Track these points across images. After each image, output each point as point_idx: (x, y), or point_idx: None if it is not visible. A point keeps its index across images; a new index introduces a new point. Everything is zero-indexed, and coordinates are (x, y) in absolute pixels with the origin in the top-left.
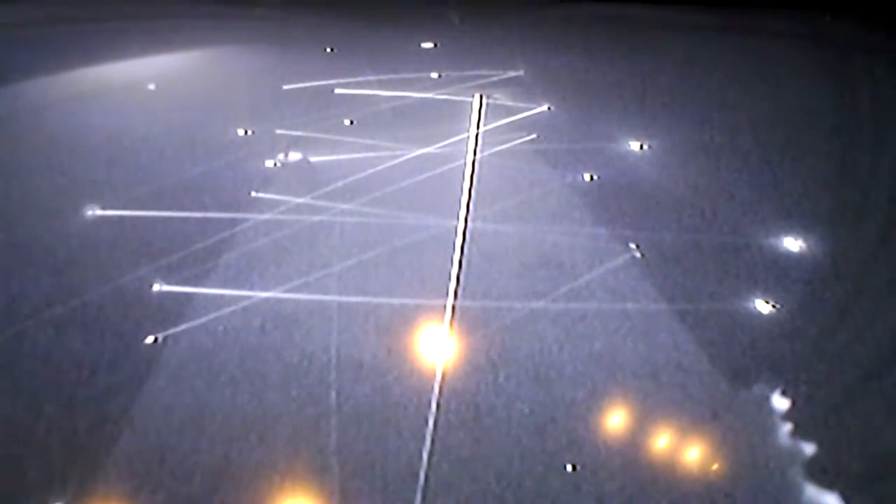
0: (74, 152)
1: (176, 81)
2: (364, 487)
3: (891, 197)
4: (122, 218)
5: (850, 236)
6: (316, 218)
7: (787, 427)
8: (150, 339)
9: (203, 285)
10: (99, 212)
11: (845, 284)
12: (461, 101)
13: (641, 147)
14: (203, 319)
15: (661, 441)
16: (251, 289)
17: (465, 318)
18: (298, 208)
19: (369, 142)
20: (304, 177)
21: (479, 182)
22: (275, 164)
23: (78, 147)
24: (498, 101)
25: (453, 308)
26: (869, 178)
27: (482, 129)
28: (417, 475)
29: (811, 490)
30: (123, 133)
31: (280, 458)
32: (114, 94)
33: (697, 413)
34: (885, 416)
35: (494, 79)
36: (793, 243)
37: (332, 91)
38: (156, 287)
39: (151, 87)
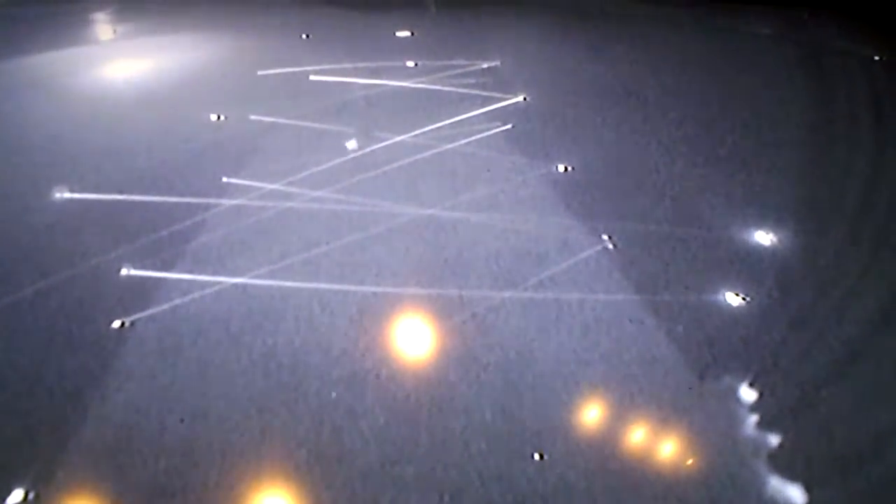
0: (43, 136)
1: (149, 66)
2: (333, 474)
3: (862, 192)
4: (90, 201)
5: (820, 230)
6: (288, 204)
7: (755, 418)
8: (116, 324)
9: (172, 270)
10: (67, 195)
11: (815, 277)
12: (437, 90)
13: (615, 139)
14: (170, 304)
15: (629, 431)
16: (220, 274)
17: (437, 306)
18: (270, 194)
19: (343, 129)
20: (277, 163)
21: (452, 171)
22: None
23: (47, 131)
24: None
25: (425, 296)
26: (841, 173)
27: (457, 118)
28: (387, 462)
29: (778, 480)
30: (94, 117)
31: (246, 445)
32: (87, 78)
33: (666, 403)
34: (852, 408)
35: (471, 68)
36: (764, 236)
37: (307, 78)
38: (123, 271)
39: (125, 71)
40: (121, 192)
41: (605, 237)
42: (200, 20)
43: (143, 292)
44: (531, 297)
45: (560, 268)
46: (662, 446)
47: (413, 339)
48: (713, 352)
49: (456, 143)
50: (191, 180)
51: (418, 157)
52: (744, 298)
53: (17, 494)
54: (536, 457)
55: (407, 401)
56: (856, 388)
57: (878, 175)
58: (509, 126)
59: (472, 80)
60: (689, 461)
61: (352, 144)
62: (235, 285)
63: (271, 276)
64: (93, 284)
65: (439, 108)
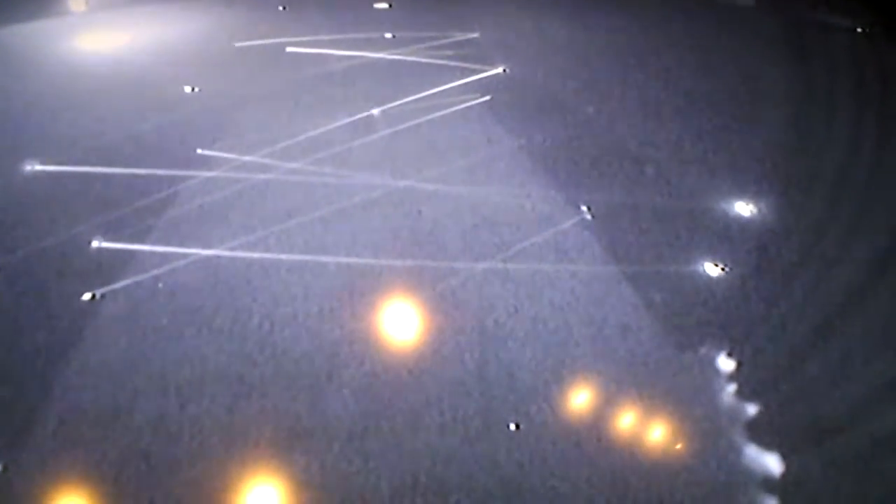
0: (14, 108)
1: (123, 38)
2: (303, 445)
3: (841, 164)
4: (61, 173)
5: (800, 202)
6: (263, 176)
7: (733, 388)
8: (87, 296)
9: (144, 242)
10: (38, 167)
11: (794, 249)
12: (415, 62)
13: (595, 110)
14: (142, 276)
15: (606, 400)
16: (193, 246)
17: (413, 278)
18: (245, 166)
19: (320, 101)
20: (252, 135)
21: (430, 142)
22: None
23: (18, 103)
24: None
25: (401, 267)
26: (820, 146)
27: (436, 89)
28: (359, 433)
29: (755, 449)
30: (66, 89)
31: (215, 416)
32: (59, 50)
33: (644, 374)
34: (829, 379)
35: (449, 40)
36: (744, 208)
37: (284, 50)
38: (94, 243)
39: (98, 43)
40: (93, 165)
41: (583, 208)
42: None
43: (114, 264)
44: (509, 267)
45: (538, 238)
46: (639, 416)
47: (389, 310)
48: (692, 322)
49: (434, 115)
50: (164, 152)
51: (396, 128)
52: (723, 269)
53: None
54: (513, 427)
55: (383, 370)
56: (833, 358)
57: (858, 146)
58: (488, 97)
59: (451, 52)
60: (666, 430)
61: (328, 116)
62: (208, 257)
63: (245, 247)
64: (64, 257)
65: (417, 80)
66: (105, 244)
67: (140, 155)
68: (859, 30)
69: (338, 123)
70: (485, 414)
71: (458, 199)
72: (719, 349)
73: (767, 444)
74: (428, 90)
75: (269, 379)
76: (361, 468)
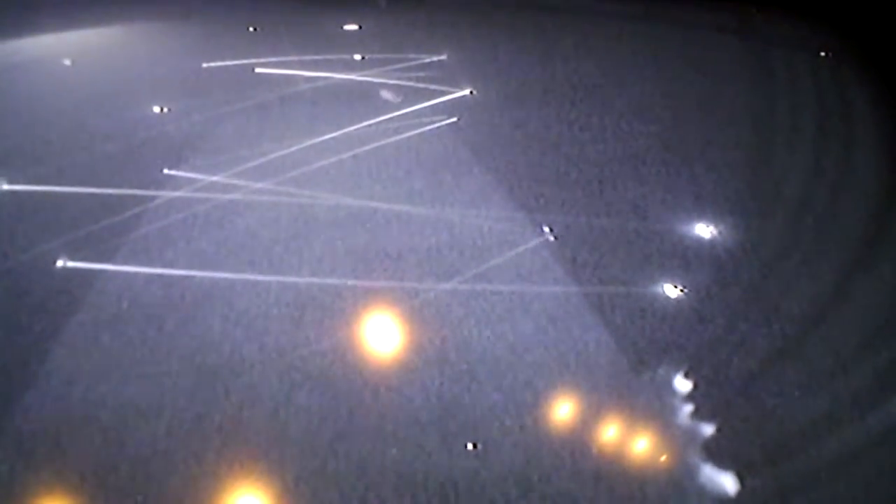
0: None
1: (93, 57)
2: (261, 470)
3: (802, 187)
4: (28, 193)
5: (760, 224)
6: (229, 196)
7: (689, 409)
8: (51, 315)
9: (109, 262)
10: (5, 186)
11: (753, 271)
12: (383, 84)
13: (559, 132)
14: (107, 296)
15: (564, 421)
16: (159, 266)
17: (375, 299)
18: (212, 186)
19: (287, 121)
20: (220, 155)
21: (395, 163)
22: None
23: None
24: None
25: (363, 288)
26: (782, 168)
27: (402, 111)
28: (317, 456)
29: (711, 472)
30: (35, 108)
31: (178, 441)
32: (27, 69)
33: (602, 394)
34: (786, 401)
35: (418, 62)
36: (704, 229)
37: (253, 70)
38: (60, 263)
39: (67, 62)
40: (60, 184)
41: (546, 229)
42: (147, 11)
43: (79, 284)
44: (470, 288)
45: (500, 260)
46: (597, 437)
47: (350, 331)
48: (650, 343)
49: (400, 136)
50: (131, 172)
51: (362, 149)
52: (682, 290)
53: None
54: (471, 447)
55: (341, 392)
56: (789, 379)
57: (818, 170)
58: (455, 119)
59: (419, 74)
60: (623, 451)
61: (295, 137)
62: (173, 276)
63: (210, 267)
64: (28, 276)
65: (385, 102)
66: (70, 264)
67: (107, 174)
68: (823, 54)
69: (305, 144)
70: (442, 434)
71: (422, 221)
72: (677, 370)
73: (722, 465)
74: (396, 111)
75: (230, 399)
76: (311, 490)
